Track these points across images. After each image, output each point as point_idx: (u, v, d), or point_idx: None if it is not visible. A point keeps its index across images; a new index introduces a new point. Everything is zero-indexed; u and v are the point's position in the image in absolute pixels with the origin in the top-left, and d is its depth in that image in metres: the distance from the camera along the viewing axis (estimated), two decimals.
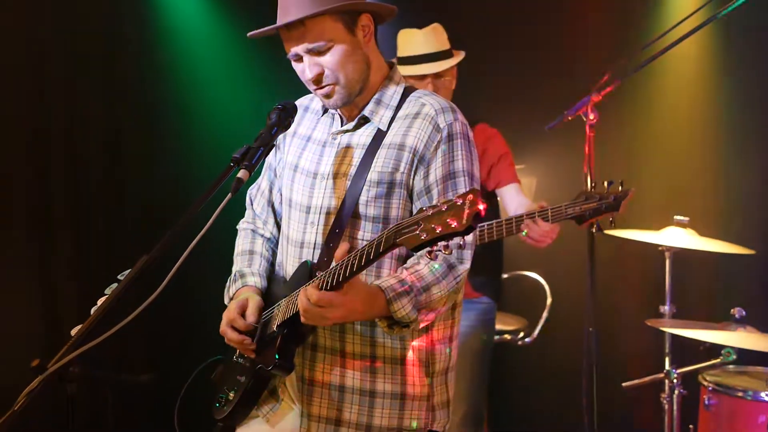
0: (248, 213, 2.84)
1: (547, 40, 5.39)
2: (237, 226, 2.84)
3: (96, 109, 5.03)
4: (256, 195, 2.81)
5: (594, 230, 3.54)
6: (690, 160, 5.07)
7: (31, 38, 4.70)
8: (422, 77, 3.97)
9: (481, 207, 1.82)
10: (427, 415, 2.50)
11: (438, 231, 1.85)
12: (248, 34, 2.51)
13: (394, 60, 4.06)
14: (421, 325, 2.38)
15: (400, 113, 2.49)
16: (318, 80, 2.43)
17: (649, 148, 5.19)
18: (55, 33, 4.78)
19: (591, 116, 3.62)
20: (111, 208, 5.13)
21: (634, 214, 3.61)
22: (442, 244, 1.87)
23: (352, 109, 2.53)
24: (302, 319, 2.25)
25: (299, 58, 2.44)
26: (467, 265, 2.40)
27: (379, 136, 2.47)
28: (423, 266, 2.35)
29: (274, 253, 2.73)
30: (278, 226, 2.74)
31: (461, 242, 1.87)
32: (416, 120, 2.45)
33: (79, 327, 2.00)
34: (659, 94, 5.17)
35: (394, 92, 2.52)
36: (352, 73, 2.43)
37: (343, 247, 2.26)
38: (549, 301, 4.90)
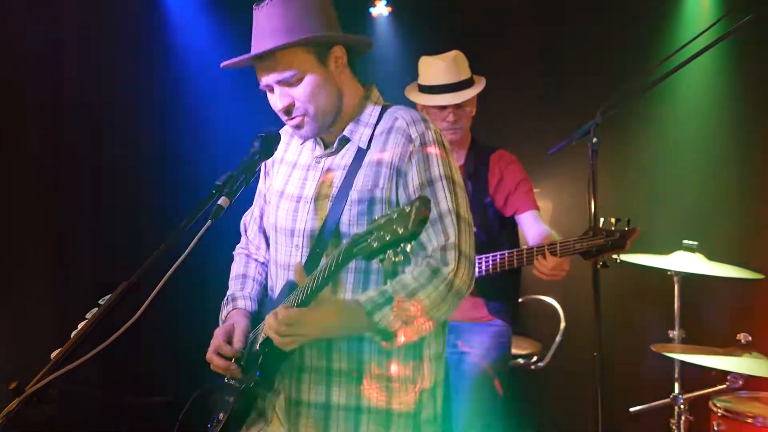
0: (243, 240, 2.89)
1: (562, 63, 5.41)
2: (233, 252, 2.89)
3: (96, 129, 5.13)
4: (250, 222, 2.87)
5: (599, 266, 3.54)
6: (699, 184, 5.05)
7: (43, 39, 4.80)
8: (443, 107, 4.00)
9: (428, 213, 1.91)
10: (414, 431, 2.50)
11: (387, 239, 1.92)
12: (222, 65, 2.55)
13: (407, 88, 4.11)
14: (419, 336, 2.40)
15: (377, 130, 2.52)
16: (288, 111, 2.47)
17: (658, 171, 5.17)
18: (68, 38, 4.90)
19: (594, 140, 3.60)
20: (127, 224, 5.20)
21: (642, 238, 3.59)
22: (393, 251, 1.92)
23: (332, 136, 2.57)
24: (275, 341, 2.28)
25: (271, 89, 2.48)
26: (452, 265, 2.37)
27: (360, 155, 2.51)
28: (408, 275, 2.37)
29: (267, 277, 2.76)
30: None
31: (409, 249, 1.91)
32: (390, 135, 2.48)
33: (58, 350, 2.05)
34: (668, 117, 5.16)
35: (372, 111, 2.56)
36: (323, 106, 2.47)
37: (297, 267, 2.31)
38: (563, 325, 4.89)
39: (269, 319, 2.28)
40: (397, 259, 1.93)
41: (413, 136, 2.45)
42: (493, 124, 4.70)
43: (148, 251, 2.14)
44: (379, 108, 2.57)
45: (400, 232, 1.89)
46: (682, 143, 5.12)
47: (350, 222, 2.45)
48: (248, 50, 2.47)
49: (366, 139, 2.52)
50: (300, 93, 2.44)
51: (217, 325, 2.69)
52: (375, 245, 1.94)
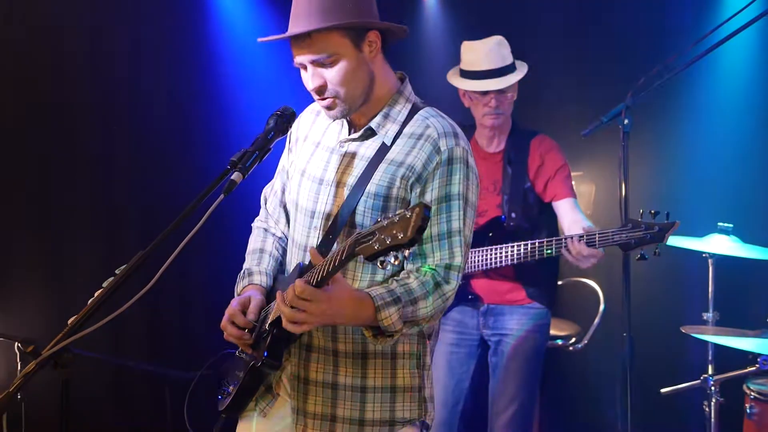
0: (262, 212, 2.94)
1: (602, 44, 5.37)
2: (252, 225, 2.95)
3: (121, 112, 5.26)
4: (270, 195, 2.92)
5: (637, 258, 3.56)
6: (735, 166, 4.97)
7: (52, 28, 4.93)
8: (485, 92, 4.01)
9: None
10: (419, 406, 2.59)
11: (388, 242, 1.98)
12: (258, 39, 2.59)
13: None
14: (401, 337, 2.46)
15: (406, 130, 2.56)
16: (320, 91, 2.51)
17: (693, 153, 5.10)
18: (82, 24, 5.01)
19: (626, 122, 3.59)
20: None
21: (677, 220, 3.58)
22: (392, 254, 1.99)
23: (360, 117, 2.60)
24: (285, 316, 2.32)
25: (305, 67, 2.52)
26: (453, 285, 2.47)
27: (383, 150, 2.55)
28: (413, 280, 2.43)
29: (284, 251, 2.82)
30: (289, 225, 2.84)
31: (407, 255, 1.99)
32: (419, 141, 2.52)
33: (75, 316, 2.16)
34: (704, 98, 5.08)
35: (402, 108, 2.59)
36: (354, 90, 2.50)
37: (312, 251, 2.39)
38: (602, 307, 4.89)
39: (282, 295, 2.32)
40: (396, 262, 2.01)
41: (442, 149, 2.49)
42: (532, 107, 4.70)
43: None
44: (409, 106, 2.60)
45: (400, 238, 1.96)
46: (718, 124, 5.05)
47: (365, 213, 2.51)
48: (286, 27, 2.51)
49: (392, 135, 2.55)
50: (333, 76, 2.47)
51: None
52: (376, 247, 2.01)
